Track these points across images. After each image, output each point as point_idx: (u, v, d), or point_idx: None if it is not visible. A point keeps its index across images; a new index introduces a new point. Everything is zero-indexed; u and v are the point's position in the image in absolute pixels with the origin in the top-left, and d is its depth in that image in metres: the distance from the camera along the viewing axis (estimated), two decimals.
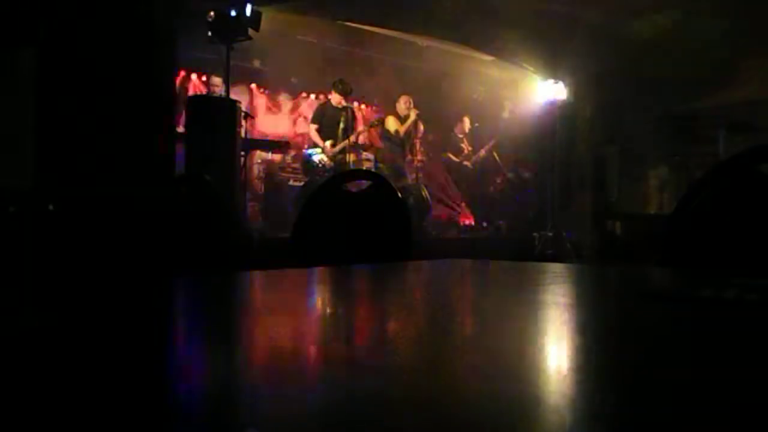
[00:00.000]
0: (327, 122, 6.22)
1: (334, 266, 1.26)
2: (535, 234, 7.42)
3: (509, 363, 0.44)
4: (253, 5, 5.25)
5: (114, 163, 2.73)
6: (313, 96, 8.26)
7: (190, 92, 7.05)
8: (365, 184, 1.81)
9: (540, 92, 8.24)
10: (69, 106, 2.57)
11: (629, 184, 8.04)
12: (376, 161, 6.68)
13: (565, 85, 8.06)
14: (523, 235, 7.50)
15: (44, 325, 0.55)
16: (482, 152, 7.98)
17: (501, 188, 8.26)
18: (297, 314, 0.70)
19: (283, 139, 7.04)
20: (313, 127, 6.30)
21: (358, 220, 1.72)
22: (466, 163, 7.93)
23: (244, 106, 5.44)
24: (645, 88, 7.25)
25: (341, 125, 6.15)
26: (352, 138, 6.22)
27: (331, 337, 0.56)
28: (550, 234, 7.30)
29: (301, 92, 8.34)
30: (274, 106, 8.17)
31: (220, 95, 5.75)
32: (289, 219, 5.44)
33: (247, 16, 5.22)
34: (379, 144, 7.17)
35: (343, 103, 6.25)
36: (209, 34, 5.30)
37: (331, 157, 6.13)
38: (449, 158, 7.91)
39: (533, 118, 8.27)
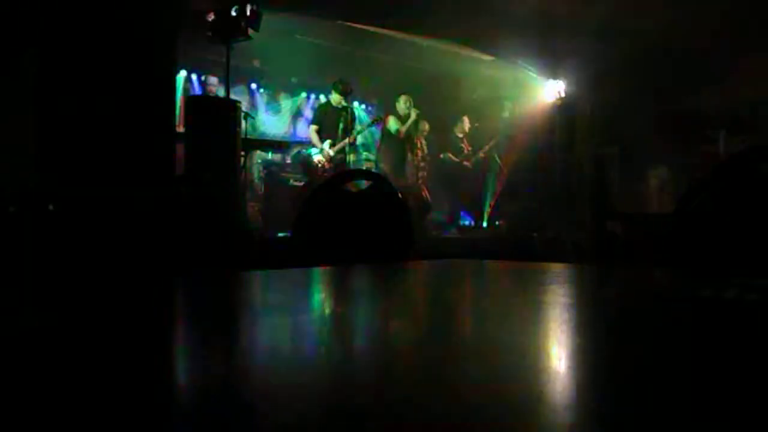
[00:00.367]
0: (327, 122, 6.22)
1: (334, 266, 1.26)
2: (535, 234, 7.42)
3: (509, 363, 0.44)
4: (253, 5, 5.25)
5: (114, 163, 2.73)
6: (313, 96, 8.25)
7: (190, 92, 7.06)
8: (365, 184, 1.81)
9: (540, 92, 8.23)
10: (69, 106, 2.57)
11: (629, 184, 8.04)
12: (376, 161, 6.66)
13: (565, 86, 8.06)
14: (523, 236, 7.50)
15: (44, 325, 0.55)
16: (481, 154, 7.98)
17: (501, 188, 8.26)
18: (296, 314, 0.70)
19: (283, 139, 7.04)
20: (314, 127, 6.30)
21: (358, 220, 1.72)
22: (466, 163, 7.93)
23: (244, 106, 5.44)
24: (645, 88, 7.24)
25: (341, 125, 6.15)
26: (352, 138, 6.22)
27: (327, 339, 0.56)
28: (550, 234, 7.30)
29: (301, 92, 8.33)
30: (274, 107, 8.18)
31: (217, 96, 5.74)
32: (289, 219, 5.43)
33: (247, 16, 5.22)
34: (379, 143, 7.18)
35: (343, 103, 6.25)
36: (209, 34, 5.30)
37: (331, 157, 6.14)
38: (449, 158, 7.91)
39: (533, 118, 8.26)
